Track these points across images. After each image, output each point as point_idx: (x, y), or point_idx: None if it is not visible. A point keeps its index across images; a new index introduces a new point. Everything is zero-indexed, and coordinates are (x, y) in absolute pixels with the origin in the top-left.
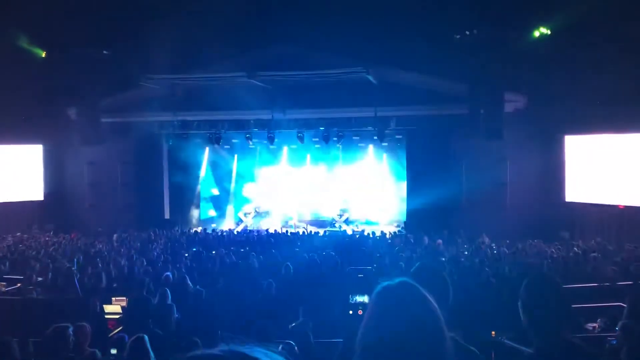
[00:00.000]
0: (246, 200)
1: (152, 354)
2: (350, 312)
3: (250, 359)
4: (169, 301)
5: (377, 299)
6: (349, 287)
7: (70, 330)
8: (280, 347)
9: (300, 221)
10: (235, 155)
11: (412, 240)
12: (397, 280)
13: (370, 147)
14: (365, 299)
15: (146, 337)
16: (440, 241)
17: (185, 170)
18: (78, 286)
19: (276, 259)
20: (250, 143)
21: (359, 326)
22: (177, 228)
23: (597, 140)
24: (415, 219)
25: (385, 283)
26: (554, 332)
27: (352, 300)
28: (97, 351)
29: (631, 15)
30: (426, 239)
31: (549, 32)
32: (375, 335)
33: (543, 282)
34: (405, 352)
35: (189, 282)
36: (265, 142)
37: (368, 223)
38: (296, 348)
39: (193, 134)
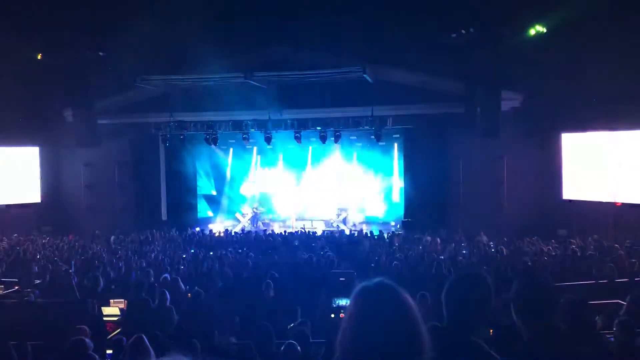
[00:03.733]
0: (244, 201)
1: (152, 352)
2: (332, 315)
3: None
4: (168, 303)
5: (355, 300)
6: (333, 290)
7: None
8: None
9: (298, 221)
10: (232, 156)
11: (410, 239)
12: (375, 280)
13: (367, 146)
14: (347, 302)
15: (145, 337)
16: (438, 240)
17: (182, 172)
18: (76, 289)
19: (274, 259)
20: (247, 143)
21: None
22: (174, 229)
23: (594, 137)
24: (413, 218)
25: (364, 283)
26: (543, 324)
27: (334, 304)
28: (96, 356)
29: (627, 13)
30: (425, 238)
31: (544, 30)
32: (354, 335)
33: (531, 280)
34: (383, 350)
35: (188, 283)
36: (263, 142)
37: (368, 219)
38: (299, 348)
39: (190, 134)
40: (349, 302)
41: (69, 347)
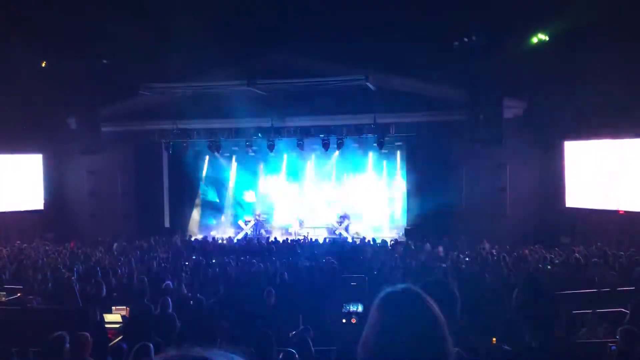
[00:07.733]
0: (246, 208)
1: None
2: (344, 320)
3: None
4: (170, 310)
5: (380, 305)
6: (343, 295)
7: (67, 340)
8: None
9: (300, 228)
10: (235, 163)
11: (412, 247)
12: (401, 286)
13: (370, 154)
14: (359, 308)
15: (151, 346)
16: (440, 248)
17: (186, 179)
18: (78, 295)
19: (276, 266)
20: (250, 151)
21: (353, 335)
22: (177, 236)
23: (597, 145)
24: (416, 226)
25: (389, 289)
26: (547, 333)
27: (345, 309)
28: None
29: (630, 21)
30: (428, 246)
31: (547, 38)
32: (378, 340)
33: (533, 287)
34: (407, 358)
35: (190, 290)
36: (265, 149)
37: (370, 227)
38: (297, 356)
39: (193, 142)
40: (372, 307)
41: (48, 343)
